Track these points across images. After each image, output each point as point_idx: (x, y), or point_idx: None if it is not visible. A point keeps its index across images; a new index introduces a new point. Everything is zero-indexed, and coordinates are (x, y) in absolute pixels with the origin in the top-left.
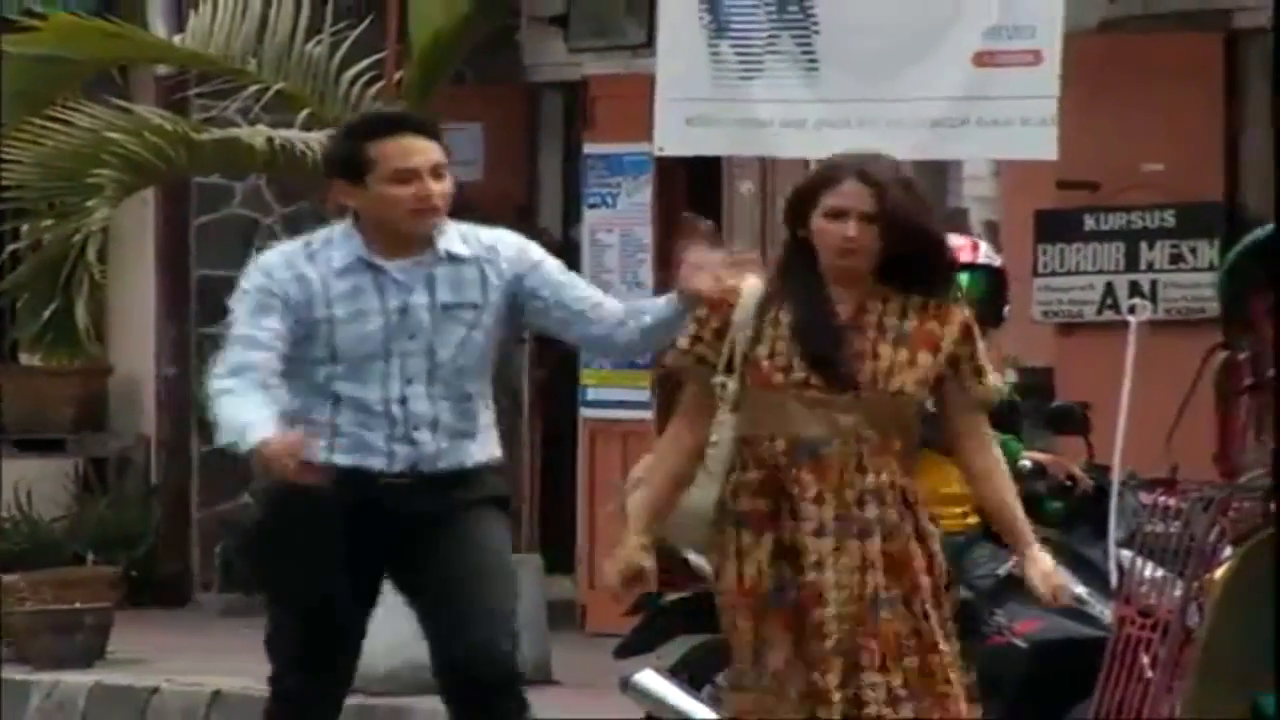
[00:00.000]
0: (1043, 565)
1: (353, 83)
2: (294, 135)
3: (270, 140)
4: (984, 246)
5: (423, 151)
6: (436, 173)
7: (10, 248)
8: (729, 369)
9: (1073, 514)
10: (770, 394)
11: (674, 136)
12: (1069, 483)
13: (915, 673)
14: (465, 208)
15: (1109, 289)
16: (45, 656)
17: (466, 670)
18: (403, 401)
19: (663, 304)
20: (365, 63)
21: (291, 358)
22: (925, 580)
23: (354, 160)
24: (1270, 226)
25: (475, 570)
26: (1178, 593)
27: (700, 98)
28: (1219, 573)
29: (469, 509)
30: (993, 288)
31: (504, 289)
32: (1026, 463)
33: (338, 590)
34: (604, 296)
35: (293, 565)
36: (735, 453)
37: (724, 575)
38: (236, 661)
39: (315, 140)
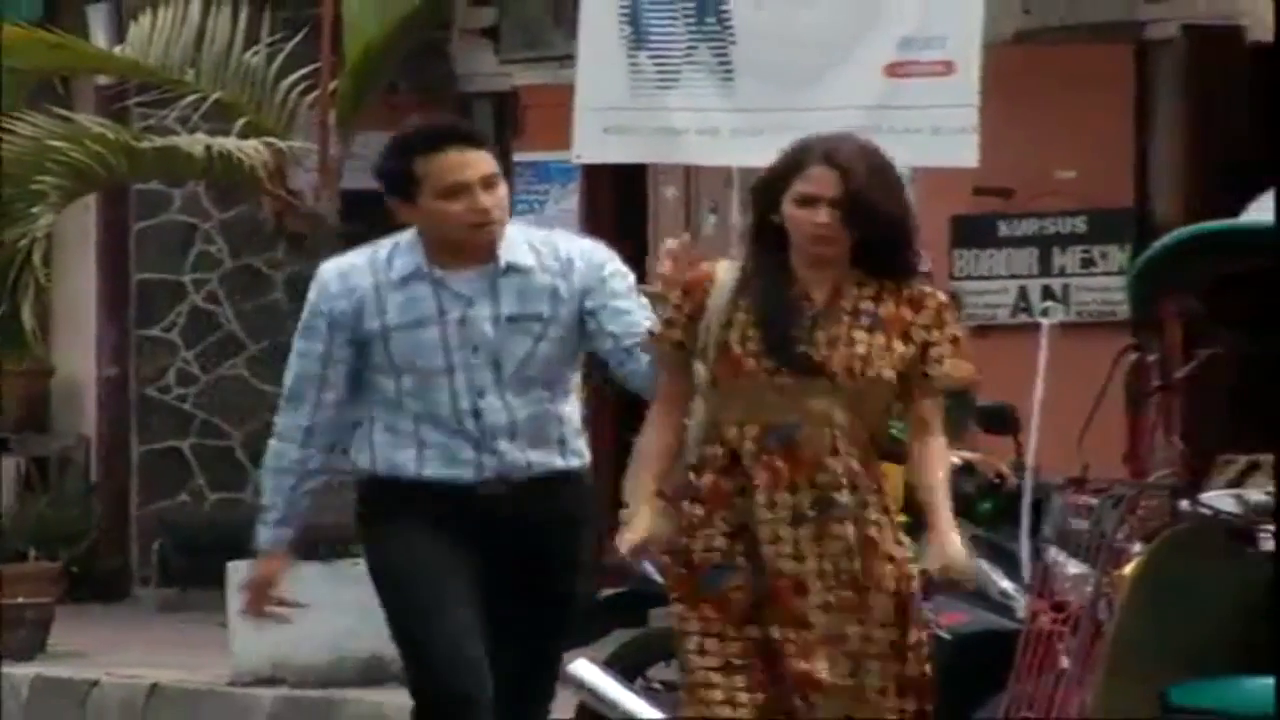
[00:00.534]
0: (947, 550)
1: (289, 92)
2: (231, 143)
3: (208, 148)
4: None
5: (471, 164)
6: (488, 183)
7: None
8: (704, 354)
9: (1000, 512)
10: (741, 380)
11: (592, 144)
12: (997, 481)
13: (848, 658)
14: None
15: (1022, 292)
16: None
17: None
18: (476, 414)
19: None
20: (301, 72)
21: (359, 371)
22: (885, 568)
23: (403, 178)
24: (1179, 232)
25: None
26: (1089, 588)
27: (618, 107)
28: (1128, 569)
29: (565, 546)
30: None
31: (574, 302)
32: (955, 460)
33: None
34: (644, 319)
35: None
36: (704, 434)
37: (675, 554)
38: (173, 655)
39: (252, 147)
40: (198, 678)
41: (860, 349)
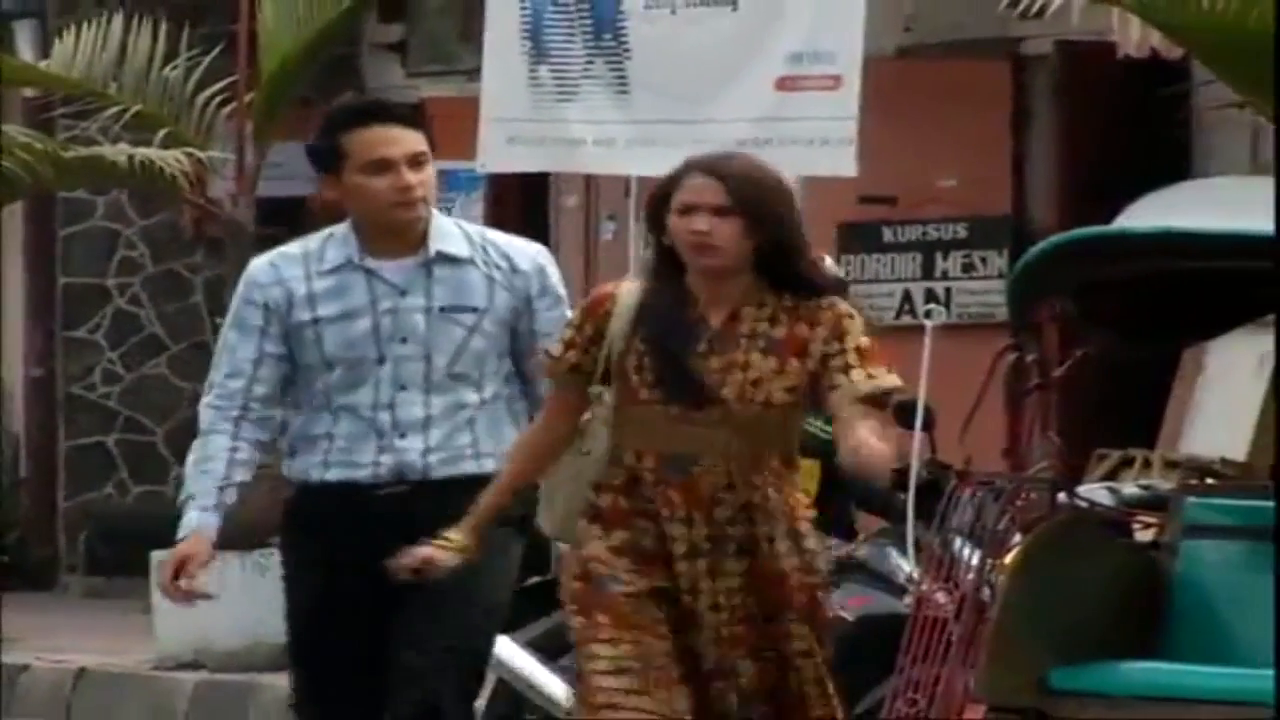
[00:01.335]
0: (859, 433)
1: (207, 104)
2: (153, 153)
3: (131, 158)
4: (827, 260)
5: (397, 141)
6: (415, 162)
7: None
8: (605, 379)
9: (917, 504)
10: (638, 409)
11: (496, 154)
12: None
13: (773, 693)
14: (308, 217)
15: (906, 295)
16: None
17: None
18: (391, 407)
19: None
20: (218, 86)
21: (297, 367)
22: (797, 598)
23: (329, 153)
24: (1054, 238)
25: (448, 602)
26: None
27: (521, 118)
28: (1009, 558)
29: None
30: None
31: (513, 300)
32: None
33: (336, 615)
34: None
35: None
36: (608, 456)
37: (603, 565)
38: (100, 640)
39: (173, 157)
40: (123, 662)
41: (753, 374)
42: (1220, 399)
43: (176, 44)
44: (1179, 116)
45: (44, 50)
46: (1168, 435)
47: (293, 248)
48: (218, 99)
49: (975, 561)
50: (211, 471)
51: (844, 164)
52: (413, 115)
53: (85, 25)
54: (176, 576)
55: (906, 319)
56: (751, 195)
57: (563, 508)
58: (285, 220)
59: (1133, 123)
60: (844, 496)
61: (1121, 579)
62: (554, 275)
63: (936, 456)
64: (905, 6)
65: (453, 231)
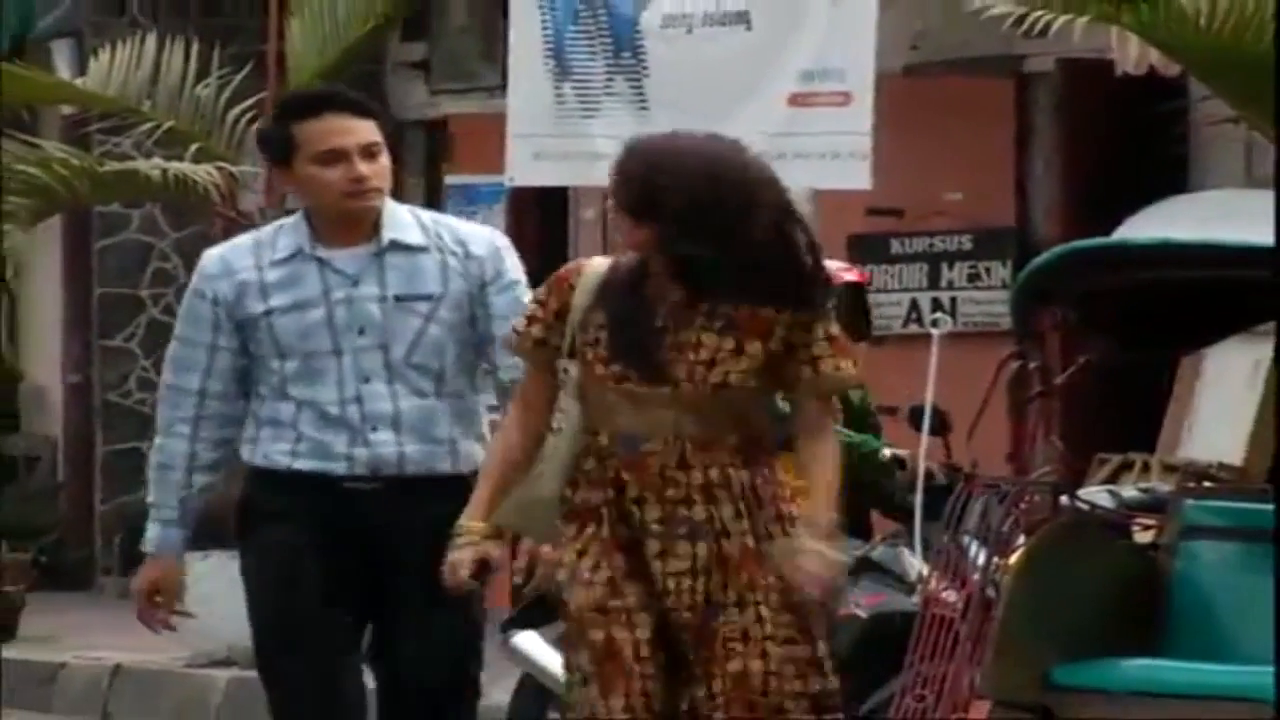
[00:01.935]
0: (801, 550)
1: (237, 121)
2: (185, 167)
3: (164, 172)
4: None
5: (350, 131)
6: (368, 153)
7: None
8: (572, 354)
9: (928, 506)
10: (595, 386)
11: (523, 168)
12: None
13: (734, 677)
14: None
15: (914, 305)
16: None
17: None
18: (358, 400)
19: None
20: (248, 103)
21: (253, 357)
22: (766, 580)
23: (281, 142)
24: (1056, 249)
25: (426, 637)
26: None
27: (545, 134)
28: (1013, 558)
29: (442, 535)
30: (856, 301)
31: (468, 286)
32: (887, 452)
33: (307, 609)
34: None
35: (263, 579)
36: (580, 445)
37: (565, 570)
38: (135, 639)
39: (204, 171)
40: (157, 659)
41: (704, 354)
42: (1217, 405)
43: (207, 63)
44: (1176, 131)
45: (80, 69)
46: (1166, 440)
47: (245, 238)
48: (247, 116)
49: (981, 562)
50: (170, 480)
51: (859, 177)
52: (367, 105)
53: (120, 45)
54: (152, 603)
55: (914, 327)
56: (634, 189)
57: (519, 493)
58: None
59: (1132, 138)
60: (860, 498)
61: (1122, 579)
62: (510, 259)
63: (951, 460)
64: (912, 25)
65: (406, 220)
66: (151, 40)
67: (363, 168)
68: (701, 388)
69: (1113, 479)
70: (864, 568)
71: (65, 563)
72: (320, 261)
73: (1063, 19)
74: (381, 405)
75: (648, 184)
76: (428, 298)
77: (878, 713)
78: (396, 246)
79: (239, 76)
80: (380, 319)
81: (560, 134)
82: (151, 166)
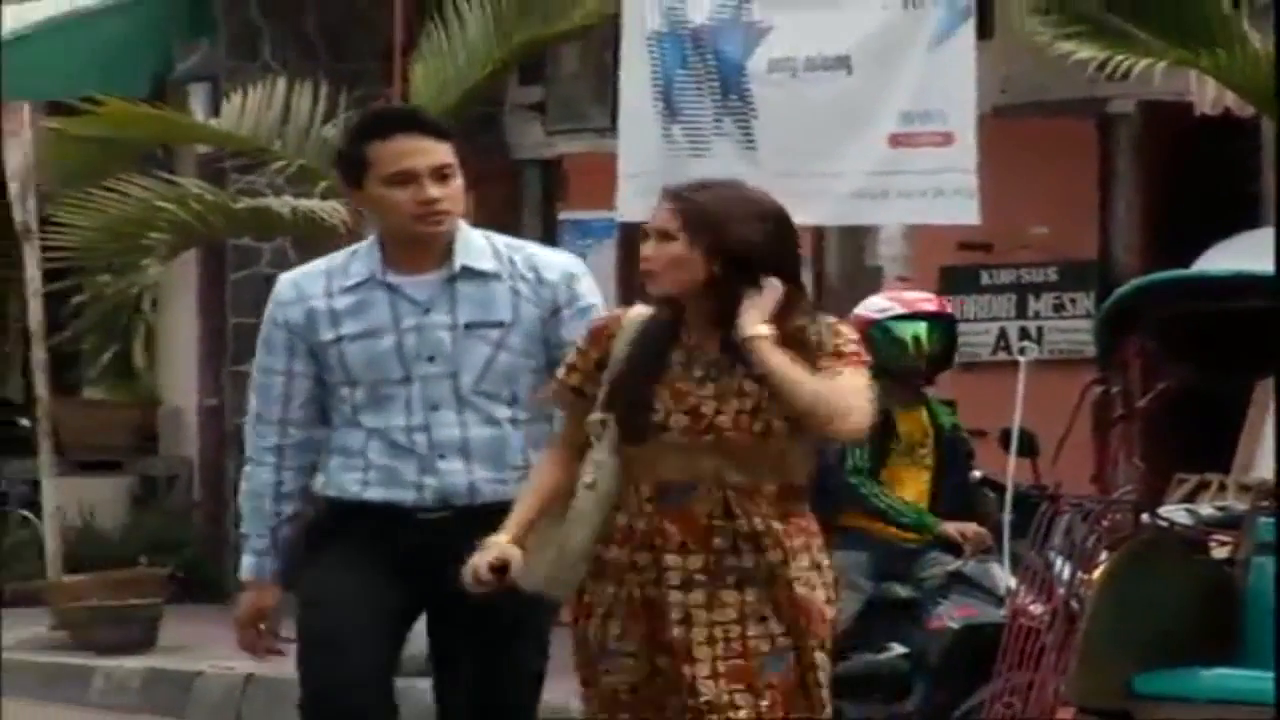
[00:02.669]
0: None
1: None
2: (314, 204)
3: (294, 209)
4: (922, 294)
5: (422, 152)
6: (440, 175)
7: (76, 300)
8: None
9: (1016, 524)
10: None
11: (632, 205)
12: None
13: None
14: None
15: (1002, 333)
16: (105, 644)
17: None
18: (426, 429)
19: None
20: None
21: (325, 385)
22: (819, 627)
23: (353, 162)
24: (1137, 281)
25: (498, 676)
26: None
27: (655, 172)
28: (1097, 573)
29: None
30: (949, 335)
31: (540, 312)
32: (976, 474)
33: (359, 634)
34: None
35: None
36: (615, 500)
37: (576, 628)
38: None
39: (331, 207)
40: (287, 669)
41: (749, 402)
42: None
43: (334, 105)
44: (1250, 169)
45: (215, 111)
46: (1241, 461)
47: (319, 264)
48: None
49: (1066, 576)
50: (261, 509)
51: (966, 213)
52: (442, 126)
53: (252, 88)
54: (255, 630)
55: (1002, 355)
56: (703, 220)
57: (554, 554)
58: None
59: (1208, 175)
60: (950, 516)
61: (1199, 592)
62: (584, 285)
63: (1039, 480)
64: (1000, 70)
65: (480, 245)
66: (282, 84)
67: (434, 190)
68: (746, 436)
69: (1190, 498)
70: (955, 581)
71: (200, 577)
72: (391, 288)
73: (1143, 63)
74: (449, 433)
75: (727, 222)
76: (498, 325)
77: (968, 718)
78: (468, 273)
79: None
80: (450, 347)
81: (668, 172)
82: (282, 203)
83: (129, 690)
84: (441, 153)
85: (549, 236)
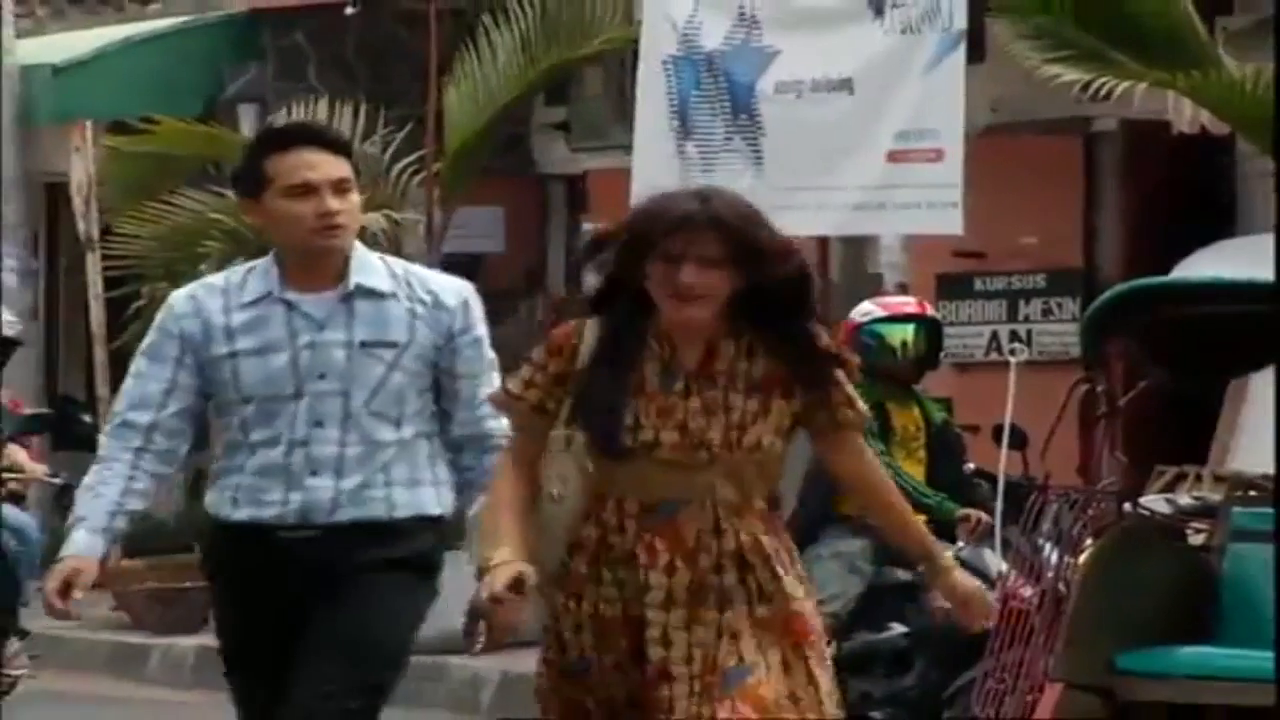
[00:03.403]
0: (963, 586)
1: (400, 174)
2: None
3: None
4: (918, 302)
5: (320, 166)
6: (339, 188)
7: (135, 305)
8: (570, 422)
9: (1007, 512)
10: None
11: None
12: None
13: None
14: (484, 276)
15: (994, 336)
16: (161, 624)
17: None
18: (305, 443)
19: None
20: (410, 159)
21: (210, 402)
22: (813, 639)
23: (252, 176)
24: (1120, 287)
25: (343, 641)
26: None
27: (668, 186)
28: (1082, 558)
29: (375, 570)
30: (934, 336)
31: (435, 337)
32: (970, 466)
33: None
34: (492, 421)
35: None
36: (584, 511)
37: (544, 641)
38: None
39: (372, 218)
40: None
41: (735, 416)
42: (1261, 422)
43: (374, 123)
44: (1225, 183)
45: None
46: (1216, 454)
47: (216, 279)
48: (410, 170)
49: (1054, 561)
50: (104, 496)
51: (952, 224)
52: (342, 141)
53: (297, 108)
54: (65, 591)
55: (994, 356)
56: (744, 242)
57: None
58: (467, 273)
59: (1186, 189)
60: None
61: (1178, 576)
62: (477, 312)
63: (1028, 472)
64: (992, 91)
65: (375, 265)
66: (324, 103)
67: (333, 203)
68: (739, 452)
69: (1169, 489)
70: None
71: None
72: (288, 305)
73: (1125, 85)
74: (328, 450)
75: (745, 230)
76: (393, 345)
77: (962, 693)
78: (364, 291)
79: (401, 135)
80: (344, 365)
81: (681, 187)
82: None
83: (183, 668)
84: (341, 167)
85: (572, 246)
